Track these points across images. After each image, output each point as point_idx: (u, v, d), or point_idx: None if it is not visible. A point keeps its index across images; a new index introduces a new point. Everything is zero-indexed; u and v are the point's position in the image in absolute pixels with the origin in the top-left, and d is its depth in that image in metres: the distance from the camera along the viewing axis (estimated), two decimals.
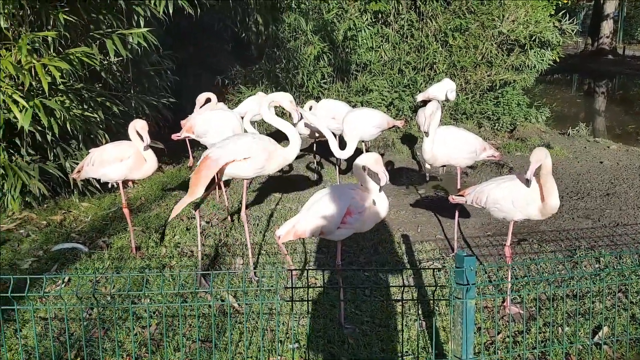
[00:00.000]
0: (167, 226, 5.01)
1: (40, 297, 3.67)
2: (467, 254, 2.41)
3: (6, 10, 4.71)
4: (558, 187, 3.55)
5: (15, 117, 4.77)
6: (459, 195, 4.09)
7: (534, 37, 8.89)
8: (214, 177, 3.85)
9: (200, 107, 5.88)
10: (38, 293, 3.58)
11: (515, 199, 3.62)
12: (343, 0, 8.91)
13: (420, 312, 3.62)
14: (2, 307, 2.62)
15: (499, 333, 3.41)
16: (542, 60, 9.13)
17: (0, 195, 5.13)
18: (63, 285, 3.94)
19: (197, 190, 3.74)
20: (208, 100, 5.90)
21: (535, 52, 9.07)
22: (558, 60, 9.49)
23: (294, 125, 4.14)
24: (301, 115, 4.17)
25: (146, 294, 3.72)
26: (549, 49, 9.15)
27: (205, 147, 5.31)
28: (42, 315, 3.54)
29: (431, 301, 3.68)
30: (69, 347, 3.07)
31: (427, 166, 6.43)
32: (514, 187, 3.65)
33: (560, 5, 16.35)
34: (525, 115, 9.12)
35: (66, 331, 3.23)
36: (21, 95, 4.69)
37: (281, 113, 7.34)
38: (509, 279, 3.81)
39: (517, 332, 3.43)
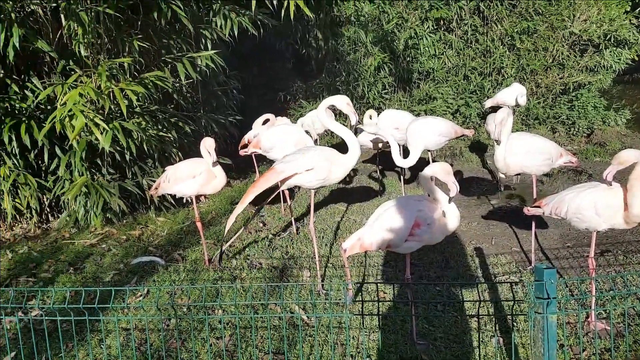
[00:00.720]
0: (237, 238, 5.14)
1: (122, 308, 3.86)
2: (546, 266, 2.30)
3: (86, 40, 5.02)
4: None
5: (96, 139, 5.06)
6: (536, 206, 3.89)
7: (608, 36, 8.42)
8: (275, 187, 4.02)
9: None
10: (120, 304, 3.76)
11: (598, 208, 3.40)
12: (403, 10, 8.86)
13: (497, 328, 3.49)
14: (89, 318, 2.77)
15: (583, 350, 3.21)
16: (619, 59, 8.63)
17: (83, 213, 5.46)
18: (142, 297, 4.12)
19: (247, 198, 3.97)
20: (267, 121, 6.04)
21: (611, 51, 8.59)
22: (637, 58, 8.92)
23: (352, 127, 4.18)
24: (358, 122, 4.23)
25: (220, 306, 3.83)
26: (626, 47, 8.64)
27: (271, 162, 5.43)
28: (123, 326, 3.72)
29: (509, 316, 3.53)
30: (149, 357, 3.20)
31: (501, 175, 6.21)
32: (596, 194, 3.44)
33: (637, 1, 15.40)
34: (603, 119, 8.63)
35: (147, 341, 3.37)
36: (101, 118, 4.97)
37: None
38: (593, 293, 3.59)
39: (603, 350, 3.22)
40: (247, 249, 4.93)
